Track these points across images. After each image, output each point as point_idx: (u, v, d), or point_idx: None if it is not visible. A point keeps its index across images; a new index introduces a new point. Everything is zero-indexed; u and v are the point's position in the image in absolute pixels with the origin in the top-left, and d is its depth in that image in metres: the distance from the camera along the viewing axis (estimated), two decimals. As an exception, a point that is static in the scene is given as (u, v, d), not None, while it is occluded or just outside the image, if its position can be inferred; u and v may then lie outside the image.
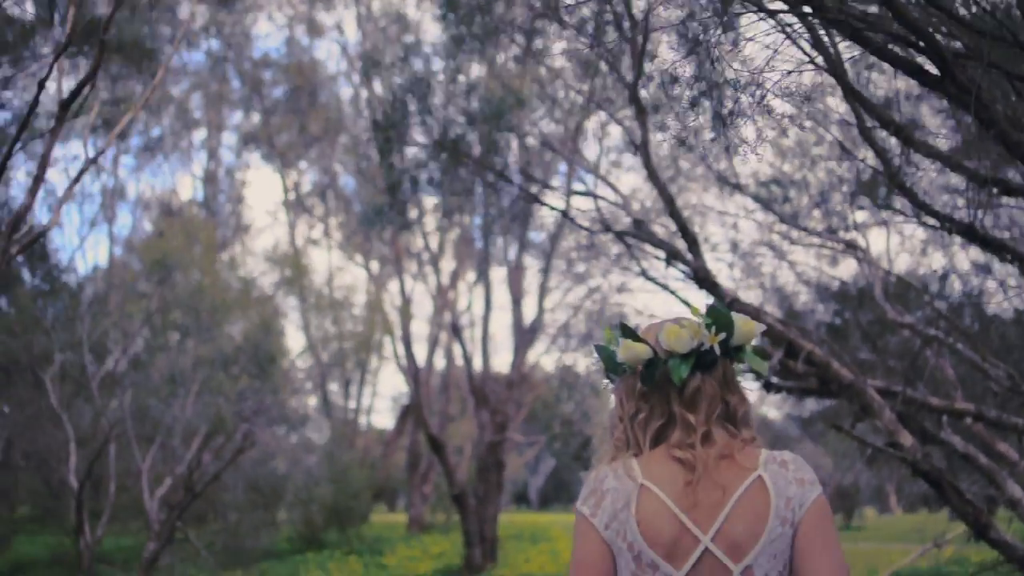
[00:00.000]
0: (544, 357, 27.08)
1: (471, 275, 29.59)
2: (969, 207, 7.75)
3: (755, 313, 9.74)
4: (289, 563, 26.02)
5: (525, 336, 25.61)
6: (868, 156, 10.24)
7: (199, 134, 34.85)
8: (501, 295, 34.63)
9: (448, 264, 29.76)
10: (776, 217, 11.77)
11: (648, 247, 9.84)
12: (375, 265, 31.99)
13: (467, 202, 12.47)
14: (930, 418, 11.20)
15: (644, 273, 11.22)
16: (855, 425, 10.59)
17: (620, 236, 9.71)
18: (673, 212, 9.61)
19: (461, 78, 11.03)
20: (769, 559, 2.46)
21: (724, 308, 2.65)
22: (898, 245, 13.14)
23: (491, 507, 24.68)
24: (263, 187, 65.04)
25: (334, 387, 37.85)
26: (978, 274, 12.42)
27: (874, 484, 54.78)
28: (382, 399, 69.05)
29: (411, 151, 11.37)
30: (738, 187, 11.87)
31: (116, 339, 18.31)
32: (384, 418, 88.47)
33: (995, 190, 7.45)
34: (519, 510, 70.75)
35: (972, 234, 7.84)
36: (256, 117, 32.41)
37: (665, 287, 11.17)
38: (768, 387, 11.36)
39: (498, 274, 32.48)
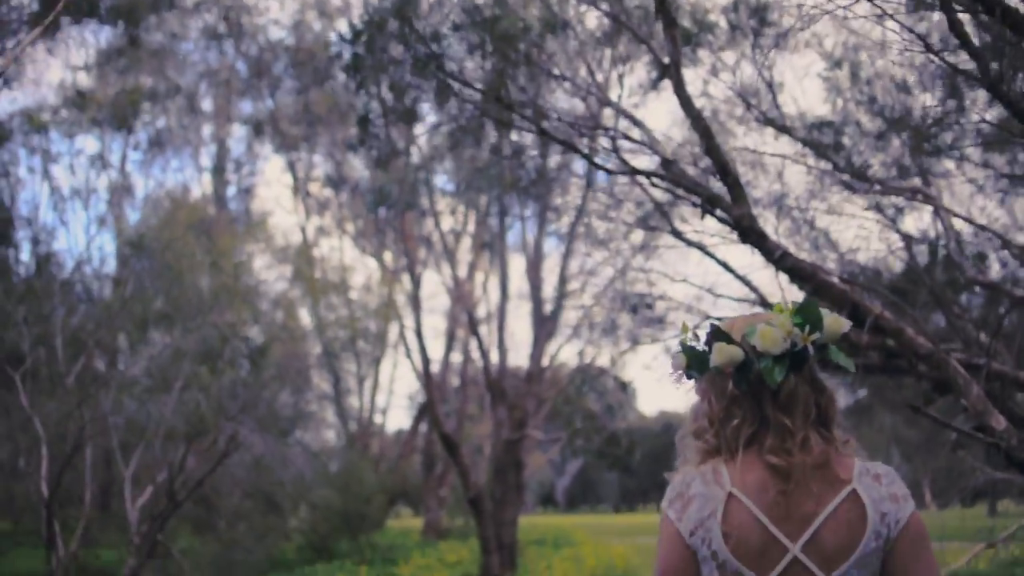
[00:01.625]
0: (565, 348, 25.25)
1: (487, 265, 27.88)
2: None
3: (811, 271, 7.95)
4: (296, 575, 24.65)
5: (545, 326, 23.83)
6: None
7: (208, 128, 33.56)
8: (518, 283, 33.21)
9: (464, 255, 28.17)
10: (829, 163, 9.97)
11: (682, 193, 8.08)
12: (389, 257, 30.35)
13: (466, 139, 10.70)
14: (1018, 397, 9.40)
15: (675, 232, 9.49)
16: (924, 408, 8.76)
17: (649, 177, 7.95)
18: (711, 148, 7.80)
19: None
20: (859, 571, 2.45)
21: (814, 304, 2.57)
22: (971, 196, 11.16)
23: (509, 510, 22.87)
24: (275, 178, 63.60)
25: (350, 385, 36.35)
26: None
27: (910, 479, 52.79)
28: (399, 398, 66.84)
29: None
30: (785, 129, 10.09)
31: (90, 332, 16.48)
32: (401, 419, 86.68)
33: None
34: (545, 512, 69.59)
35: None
36: (264, 105, 30.84)
37: (701, 247, 9.42)
38: (821, 366, 9.55)
39: (516, 265, 30.89)
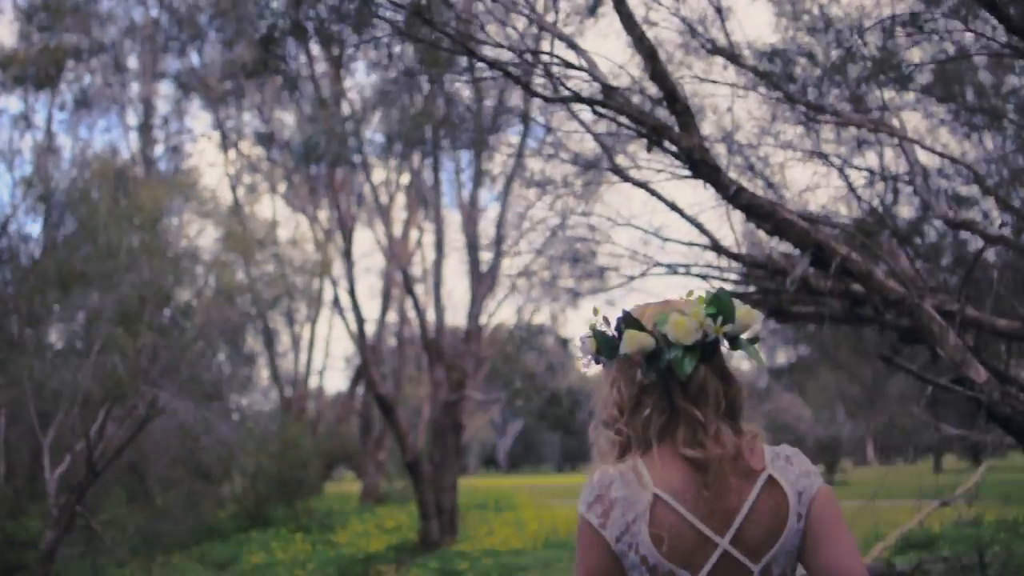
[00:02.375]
0: (504, 306, 24.35)
1: (422, 220, 26.96)
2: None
3: (770, 209, 7.18)
4: (231, 543, 24.01)
5: (482, 283, 22.98)
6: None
7: (134, 86, 32.23)
8: (454, 238, 32.22)
9: (399, 212, 27.24)
10: (782, 94, 9.18)
11: (625, 122, 7.24)
12: (322, 216, 29.29)
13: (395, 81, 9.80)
14: (993, 345, 8.75)
15: (615, 168, 8.67)
16: (896, 359, 8.04)
17: (591, 105, 7.10)
18: (657, 72, 6.97)
19: None
20: (785, 556, 2.46)
21: (726, 295, 2.52)
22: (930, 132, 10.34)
23: (448, 474, 22.11)
24: (203, 136, 61.92)
25: (285, 347, 35.36)
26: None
27: (856, 436, 52.79)
28: (336, 360, 65.30)
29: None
30: (734, 58, 9.28)
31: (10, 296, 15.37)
32: (340, 381, 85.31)
33: None
34: (488, 474, 69.41)
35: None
36: (190, 61, 29.63)
37: (645, 186, 8.61)
38: (779, 316, 8.86)
39: (453, 221, 29.96)
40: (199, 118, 62.75)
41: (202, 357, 14.57)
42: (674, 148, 7.09)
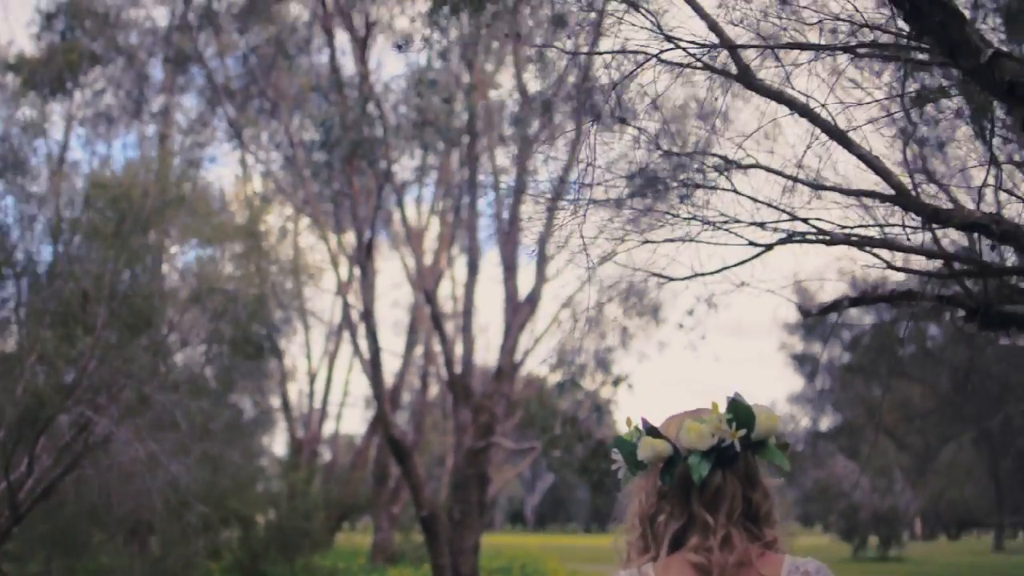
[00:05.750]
0: (544, 340, 20.97)
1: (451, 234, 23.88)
2: None
3: None
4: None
5: (519, 312, 19.70)
6: None
7: (157, 102, 29.77)
8: (489, 264, 29.29)
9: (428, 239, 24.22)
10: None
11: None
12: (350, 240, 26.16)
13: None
14: None
15: (747, 77, 5.41)
16: None
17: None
18: None
19: None
20: None
21: (745, 402, 2.56)
22: None
23: (470, 534, 18.68)
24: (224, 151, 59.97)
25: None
26: None
27: (916, 506, 48.85)
28: (356, 399, 61.43)
29: None
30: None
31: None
32: (358, 425, 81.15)
33: None
34: (514, 530, 66.41)
35: None
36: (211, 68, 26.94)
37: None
38: (984, 320, 5.65)
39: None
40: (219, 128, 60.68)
41: (155, 374, 11.25)
42: None
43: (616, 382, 20.40)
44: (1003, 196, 7.24)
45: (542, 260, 19.99)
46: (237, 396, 24.17)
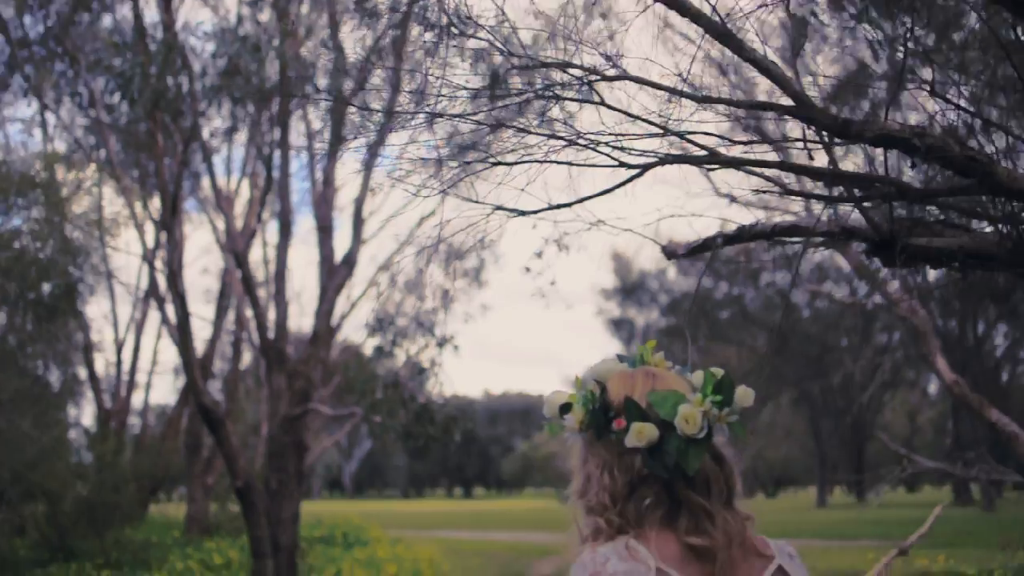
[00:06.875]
0: (362, 303, 20.37)
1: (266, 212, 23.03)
2: None
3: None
4: (23, 579, 20.36)
5: (335, 274, 19.14)
6: None
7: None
8: (302, 230, 28.64)
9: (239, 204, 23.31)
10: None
11: None
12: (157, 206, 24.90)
13: None
14: None
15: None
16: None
17: None
18: None
19: None
20: None
21: (729, 378, 2.50)
22: None
23: (288, 504, 18.10)
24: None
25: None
26: None
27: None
28: (166, 367, 59.24)
29: None
30: None
31: None
32: (169, 394, 78.51)
33: None
34: (332, 497, 65.86)
35: None
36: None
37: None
38: (895, 255, 5.52)
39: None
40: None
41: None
42: None
43: (441, 343, 20.03)
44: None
45: (359, 221, 19.47)
46: (39, 365, 23.01)
